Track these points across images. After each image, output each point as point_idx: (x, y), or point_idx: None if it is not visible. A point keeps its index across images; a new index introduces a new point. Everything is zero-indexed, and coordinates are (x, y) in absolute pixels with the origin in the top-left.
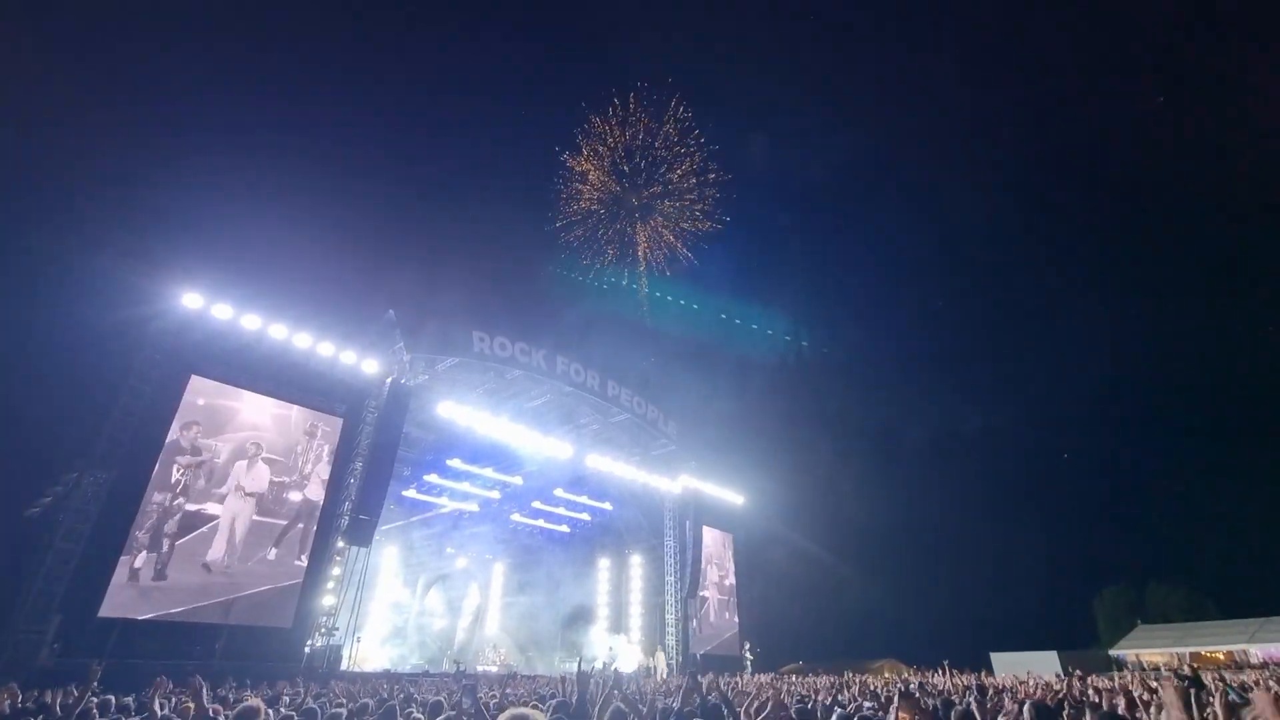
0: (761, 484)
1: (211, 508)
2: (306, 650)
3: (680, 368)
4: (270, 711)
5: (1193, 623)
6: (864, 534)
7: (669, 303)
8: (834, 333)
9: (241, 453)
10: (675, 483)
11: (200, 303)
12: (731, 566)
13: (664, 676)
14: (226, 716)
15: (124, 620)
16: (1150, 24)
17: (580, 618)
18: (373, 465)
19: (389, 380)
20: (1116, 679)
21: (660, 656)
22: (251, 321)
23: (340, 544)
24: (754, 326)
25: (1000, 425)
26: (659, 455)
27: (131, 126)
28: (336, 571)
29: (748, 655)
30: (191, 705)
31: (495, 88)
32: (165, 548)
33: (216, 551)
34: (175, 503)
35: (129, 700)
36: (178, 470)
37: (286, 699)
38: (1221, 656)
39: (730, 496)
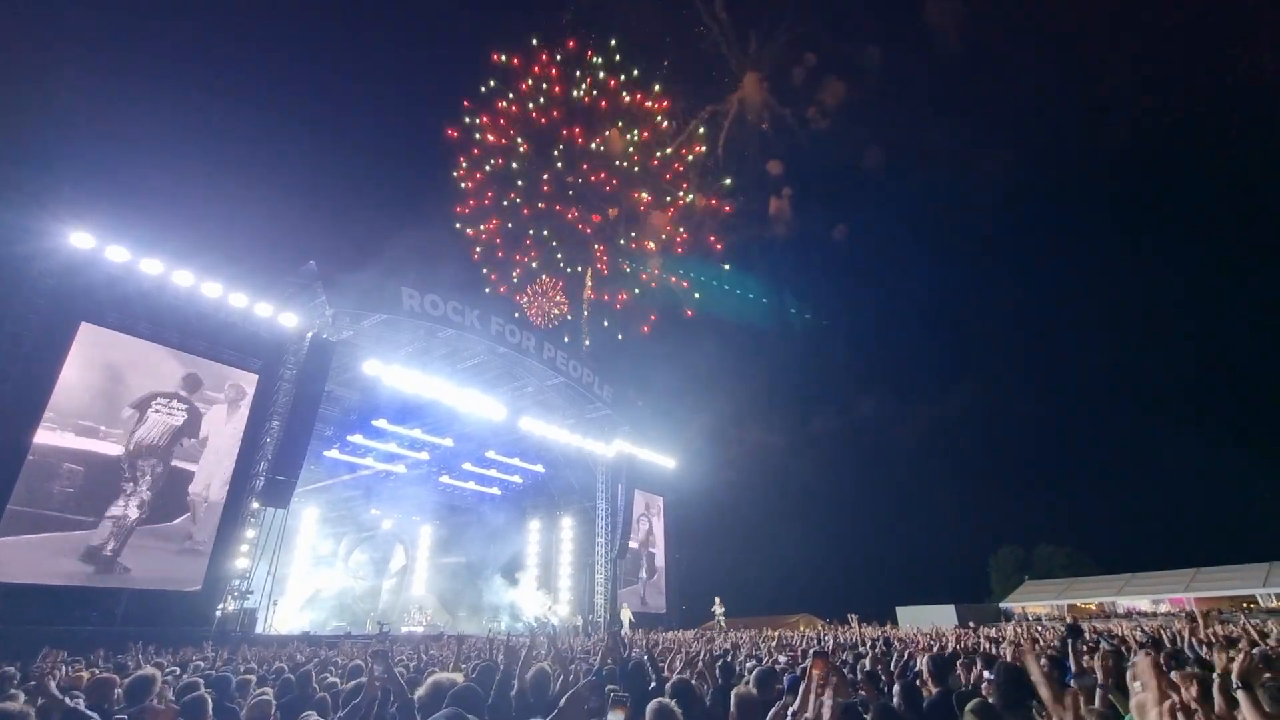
0: (692, 449)
1: (107, 466)
2: (218, 614)
3: (614, 331)
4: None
5: (1072, 578)
6: (784, 498)
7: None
8: (765, 305)
9: (140, 406)
10: (609, 447)
11: (91, 243)
12: (661, 528)
13: (629, 631)
14: (122, 686)
15: (9, 584)
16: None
17: (510, 578)
18: (291, 424)
19: (309, 335)
20: (1004, 629)
21: (625, 610)
22: (152, 266)
23: (255, 505)
24: (695, 295)
25: (906, 398)
26: (593, 419)
27: (12, 42)
28: (250, 533)
29: (719, 609)
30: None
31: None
32: (54, 507)
33: (113, 511)
34: (65, 460)
35: (12, 669)
36: (65, 424)
37: (193, 666)
38: (1094, 607)
39: (662, 460)
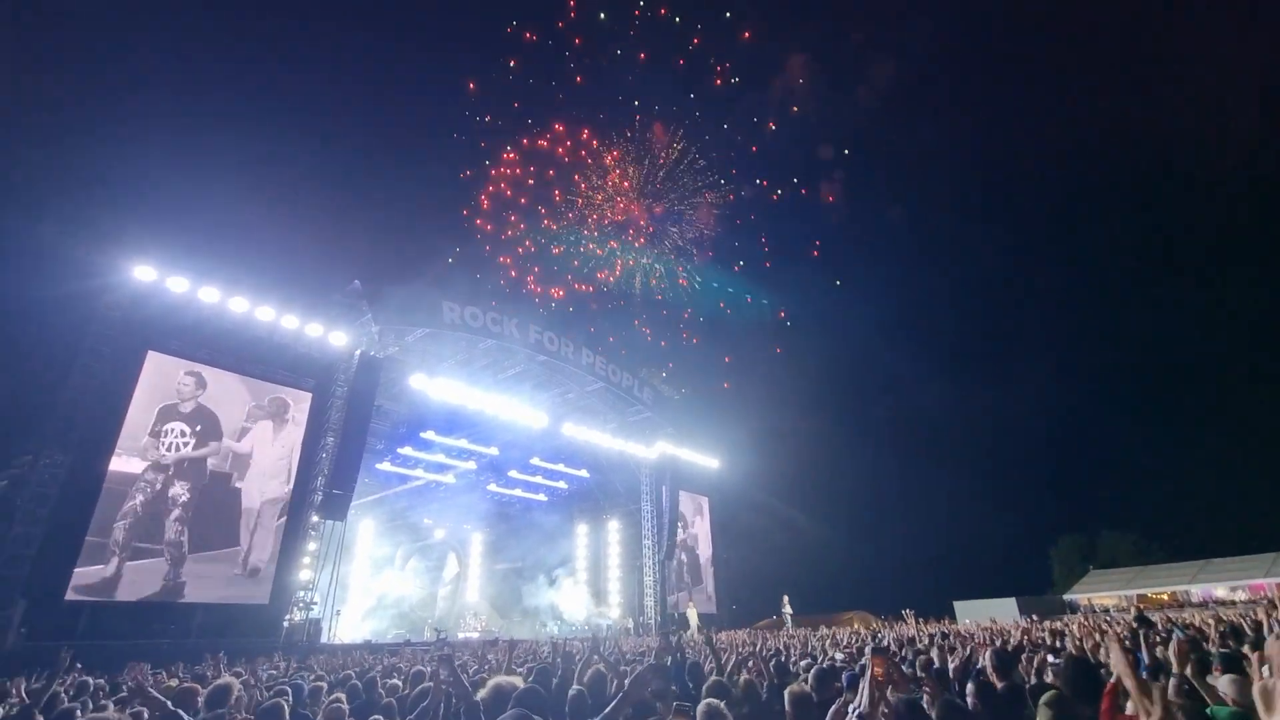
0: (736, 448)
1: (179, 486)
2: (285, 625)
3: (657, 334)
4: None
5: (1140, 567)
6: (833, 492)
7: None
8: (807, 298)
9: (207, 430)
10: (651, 449)
11: (153, 275)
12: (708, 528)
13: (696, 631)
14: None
15: (93, 602)
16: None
17: (559, 582)
18: (345, 439)
19: (358, 353)
20: (1069, 621)
21: (692, 610)
22: (210, 294)
23: (315, 518)
24: (729, 291)
25: (962, 387)
26: (635, 422)
27: (73, 90)
28: (312, 546)
29: (787, 609)
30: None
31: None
32: (132, 528)
33: (186, 529)
34: (140, 483)
35: (101, 681)
36: (141, 449)
37: (265, 675)
38: (1165, 597)
39: (705, 461)
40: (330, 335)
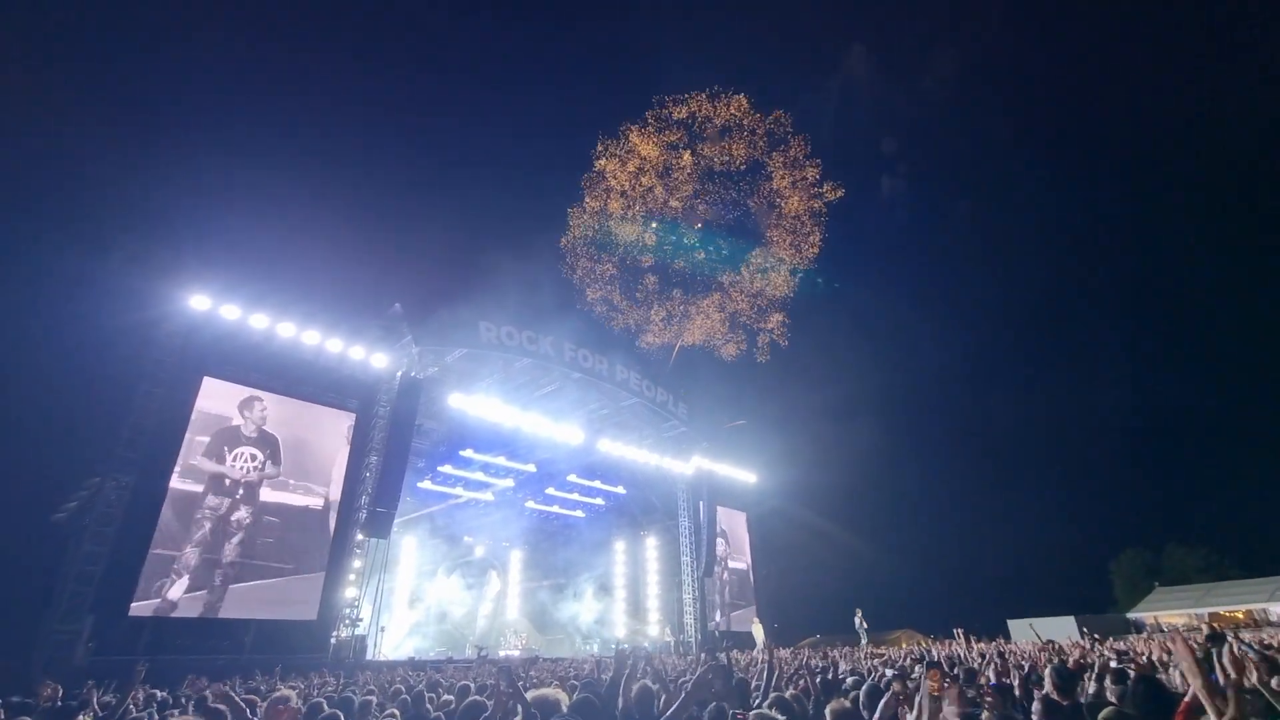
0: (773, 461)
1: (231, 506)
2: (333, 641)
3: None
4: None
5: (1211, 583)
6: (876, 506)
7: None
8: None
9: (260, 452)
10: (688, 464)
11: (208, 304)
12: (747, 543)
13: (762, 648)
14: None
15: (155, 618)
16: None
17: (598, 599)
18: (388, 458)
19: (399, 374)
20: (1134, 642)
21: (758, 626)
22: (259, 321)
23: (359, 536)
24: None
25: (1013, 392)
26: (670, 437)
27: (132, 127)
28: (358, 564)
29: (862, 624)
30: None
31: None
32: (191, 547)
33: (241, 548)
34: (199, 503)
35: (165, 694)
36: (198, 472)
37: (316, 689)
38: (1241, 615)
39: (742, 475)
40: (372, 358)
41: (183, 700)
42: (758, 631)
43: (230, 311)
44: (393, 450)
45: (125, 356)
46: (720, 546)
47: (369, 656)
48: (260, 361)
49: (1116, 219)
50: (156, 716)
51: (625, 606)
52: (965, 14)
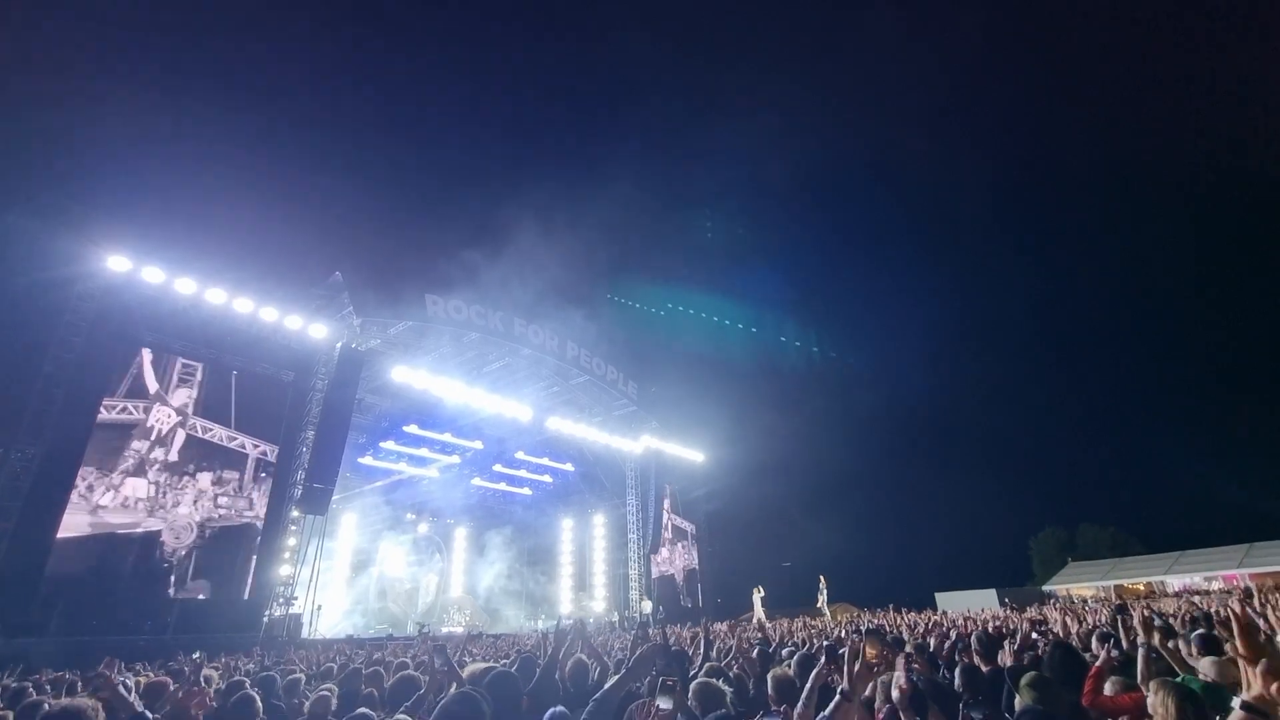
0: (721, 442)
1: (153, 477)
2: (265, 620)
3: (641, 329)
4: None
5: (1117, 559)
6: (817, 488)
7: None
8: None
9: (183, 422)
10: (637, 443)
11: (128, 266)
12: (691, 524)
13: (763, 617)
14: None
15: (68, 598)
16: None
17: (544, 577)
18: (325, 433)
19: (339, 345)
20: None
21: (758, 595)
22: (186, 286)
23: (295, 513)
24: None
25: (946, 385)
26: (620, 416)
27: (41, 74)
28: (292, 541)
29: (823, 593)
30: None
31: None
32: (106, 521)
33: (162, 523)
34: (114, 475)
35: (75, 676)
36: (114, 441)
37: (242, 669)
38: (1142, 588)
39: (691, 455)
40: (310, 328)
41: (99, 680)
42: (757, 597)
43: (153, 275)
44: (331, 424)
45: (30, 318)
46: (666, 527)
47: (305, 635)
48: (187, 329)
49: (1035, 221)
50: (59, 699)
51: (572, 584)
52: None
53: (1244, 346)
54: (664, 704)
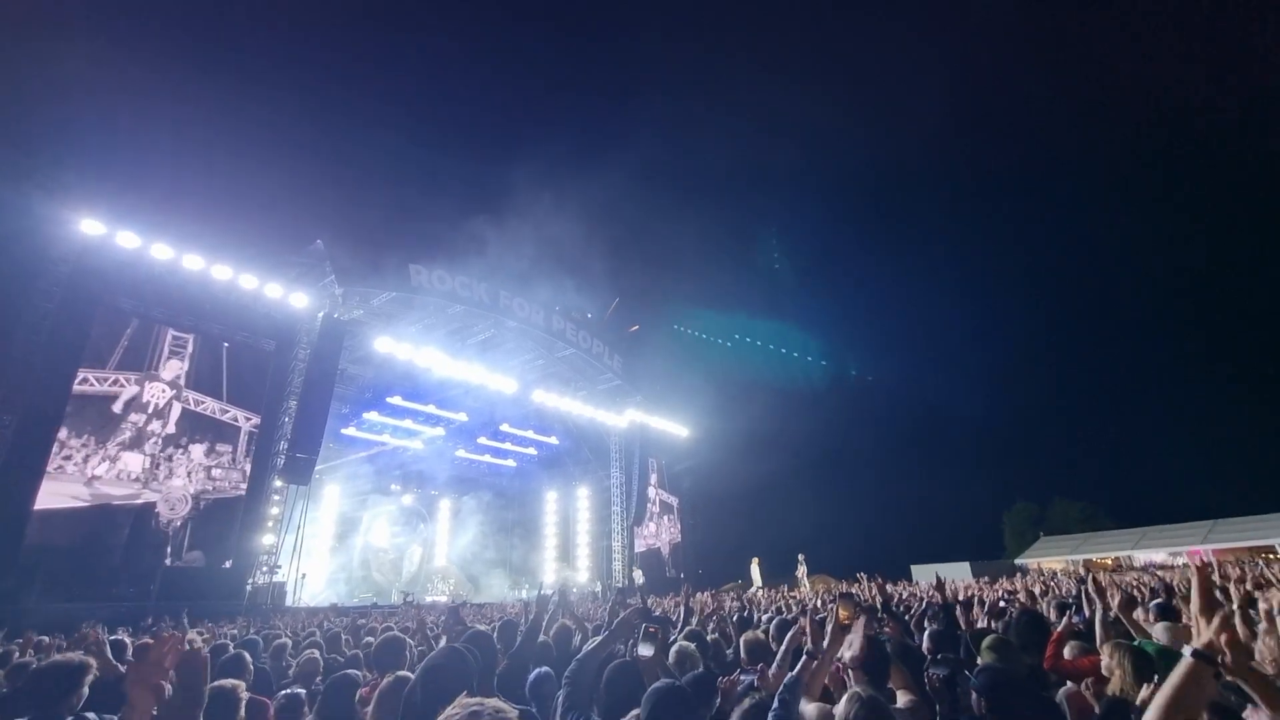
0: (705, 417)
1: (148, 450)
2: (248, 588)
3: (628, 305)
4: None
5: (1088, 533)
6: (797, 463)
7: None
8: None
9: (177, 395)
10: (621, 416)
11: (101, 230)
12: (676, 495)
13: (759, 585)
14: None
15: (50, 564)
16: None
17: (528, 548)
18: (308, 403)
19: (320, 315)
20: (1017, 582)
21: (756, 565)
22: (162, 251)
23: (278, 483)
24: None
25: (922, 360)
26: (605, 390)
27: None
28: (275, 511)
29: (802, 566)
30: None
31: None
32: (103, 492)
33: (157, 494)
34: (110, 446)
35: (59, 640)
36: (109, 413)
37: (227, 634)
38: (1110, 561)
39: (675, 429)
40: (291, 297)
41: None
42: (755, 572)
43: (128, 239)
44: (314, 395)
45: (4, 282)
46: (650, 499)
47: (289, 603)
48: (164, 294)
49: (1001, 194)
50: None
51: (555, 555)
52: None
53: (1212, 330)
54: (645, 650)
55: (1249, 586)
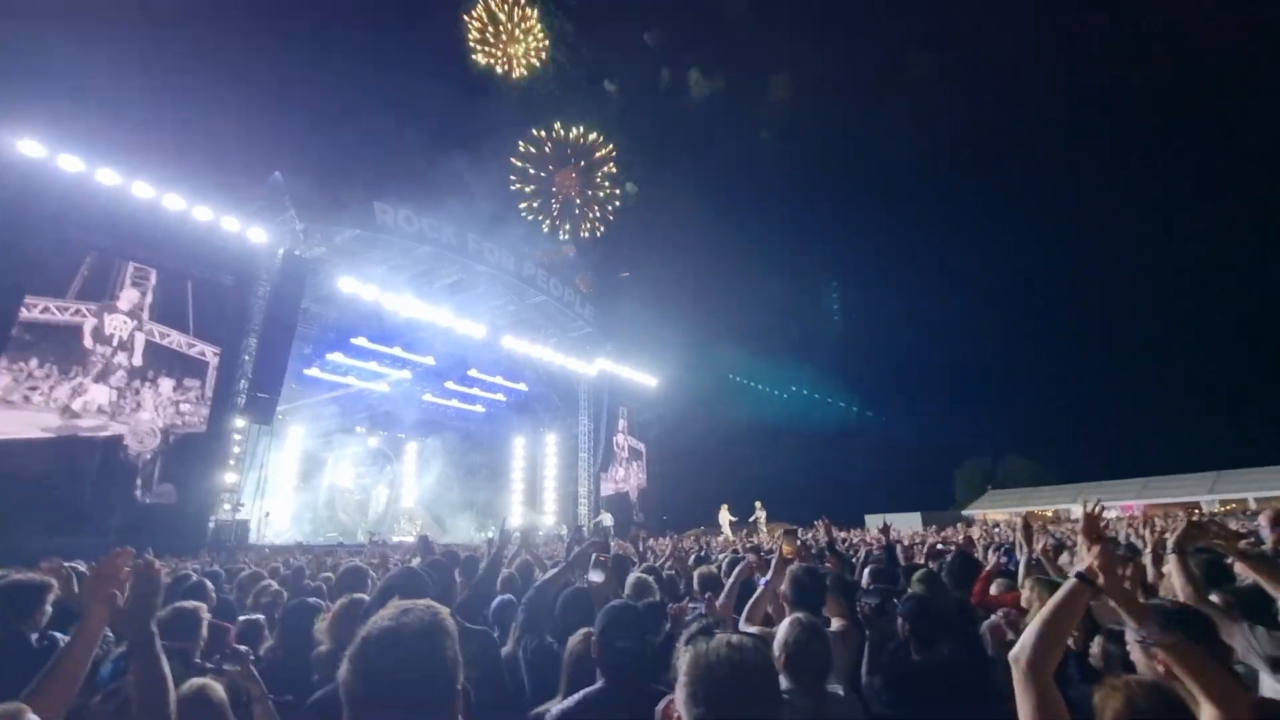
0: (672, 368)
1: (99, 383)
2: (211, 525)
3: (599, 254)
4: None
5: (1032, 488)
6: (761, 414)
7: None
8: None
9: (139, 326)
10: (592, 365)
11: (42, 152)
12: (643, 444)
13: (728, 531)
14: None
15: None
16: None
17: (496, 492)
18: (269, 341)
19: (281, 251)
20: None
21: (724, 513)
22: (108, 177)
23: (239, 422)
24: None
25: (877, 313)
26: (576, 338)
27: None
28: (237, 449)
29: (760, 513)
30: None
31: None
32: (70, 424)
33: (109, 423)
34: (57, 373)
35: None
36: (72, 343)
37: (189, 567)
38: (1049, 514)
39: (644, 379)
40: (249, 231)
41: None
42: (724, 518)
43: (71, 163)
44: (274, 333)
45: None
46: (617, 447)
47: (252, 541)
48: (112, 224)
49: (950, 150)
50: None
51: (522, 499)
52: None
53: (1160, 299)
54: (596, 577)
55: (1166, 534)
